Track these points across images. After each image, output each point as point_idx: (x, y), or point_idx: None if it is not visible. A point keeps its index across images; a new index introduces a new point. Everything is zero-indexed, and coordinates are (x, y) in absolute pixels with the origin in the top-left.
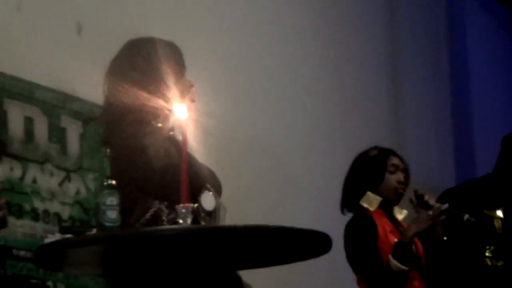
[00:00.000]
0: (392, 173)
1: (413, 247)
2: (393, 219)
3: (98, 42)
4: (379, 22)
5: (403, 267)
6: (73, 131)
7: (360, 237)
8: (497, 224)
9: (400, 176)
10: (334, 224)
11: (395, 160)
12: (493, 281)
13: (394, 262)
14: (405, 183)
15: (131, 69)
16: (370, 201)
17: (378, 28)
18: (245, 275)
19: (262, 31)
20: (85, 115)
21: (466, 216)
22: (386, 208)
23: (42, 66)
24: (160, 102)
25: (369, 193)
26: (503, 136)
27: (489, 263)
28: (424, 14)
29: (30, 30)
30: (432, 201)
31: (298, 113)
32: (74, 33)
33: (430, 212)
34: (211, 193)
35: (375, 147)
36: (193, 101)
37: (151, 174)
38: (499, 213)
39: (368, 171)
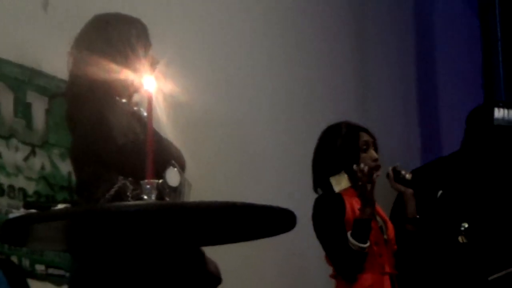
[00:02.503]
0: (365, 151)
1: (383, 226)
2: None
3: (64, 17)
4: None
5: (361, 245)
6: (39, 107)
7: (325, 213)
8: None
9: (372, 153)
10: (300, 201)
11: (365, 136)
12: (465, 258)
13: (352, 240)
14: (377, 159)
15: (97, 44)
16: (339, 181)
17: (344, 5)
18: (210, 251)
19: (228, 9)
20: (51, 90)
21: (440, 193)
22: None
23: (8, 41)
24: (126, 77)
25: (342, 174)
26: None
27: (462, 241)
28: None
29: None
30: (408, 176)
31: (264, 90)
32: (40, 8)
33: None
34: (175, 169)
35: (342, 124)
36: (157, 77)
37: (115, 150)
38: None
39: (341, 153)
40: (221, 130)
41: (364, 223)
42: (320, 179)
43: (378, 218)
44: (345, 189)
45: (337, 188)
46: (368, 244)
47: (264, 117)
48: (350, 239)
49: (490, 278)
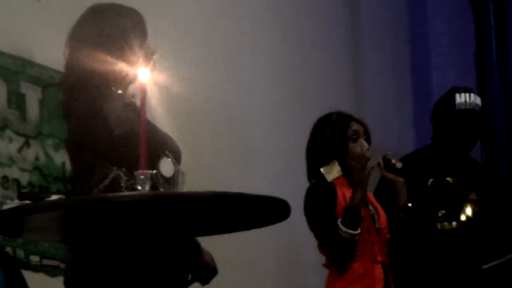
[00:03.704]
0: (354, 140)
1: (375, 214)
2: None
3: (57, 8)
4: None
5: (351, 231)
6: (32, 97)
7: (316, 202)
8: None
9: (362, 142)
10: (294, 191)
11: (355, 126)
12: (446, 244)
13: (342, 227)
14: (367, 148)
15: (94, 34)
16: (330, 171)
17: None
18: (204, 242)
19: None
20: (45, 81)
21: (430, 181)
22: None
23: (1, 32)
24: (121, 68)
25: (333, 163)
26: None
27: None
28: None
29: None
30: (398, 165)
31: (259, 80)
32: None
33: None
34: (169, 159)
35: (333, 114)
36: (153, 68)
37: (110, 140)
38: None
39: (330, 143)
40: (216, 121)
41: (354, 210)
42: (313, 169)
43: (370, 207)
44: (337, 178)
45: (328, 178)
46: (358, 231)
47: (259, 108)
48: (340, 226)
49: (484, 267)
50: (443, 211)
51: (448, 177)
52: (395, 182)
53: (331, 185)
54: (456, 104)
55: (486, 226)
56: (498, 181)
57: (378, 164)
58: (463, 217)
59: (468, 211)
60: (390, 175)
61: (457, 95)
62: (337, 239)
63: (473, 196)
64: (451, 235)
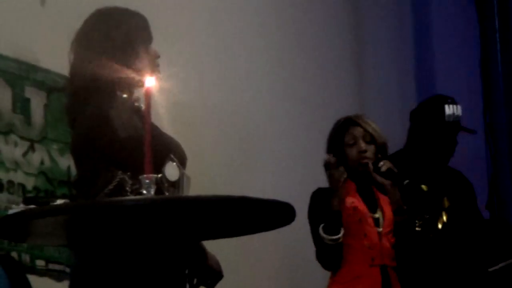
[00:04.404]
0: (352, 145)
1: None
2: (370, 192)
3: (61, 12)
4: None
5: (329, 237)
6: (37, 102)
7: (312, 207)
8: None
9: (361, 145)
10: (300, 195)
11: (353, 130)
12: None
13: (321, 233)
14: (365, 151)
15: (96, 38)
16: None
17: None
18: (209, 246)
19: (229, 4)
20: (49, 85)
21: (406, 181)
22: (360, 180)
23: (6, 36)
24: (126, 72)
25: (340, 167)
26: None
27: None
28: None
29: None
30: (383, 168)
31: (262, 82)
32: (37, 3)
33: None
34: (174, 163)
35: (343, 118)
36: (157, 72)
37: (115, 144)
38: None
39: (329, 146)
40: (221, 125)
41: (332, 215)
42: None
43: (378, 211)
44: (345, 183)
45: None
46: (339, 235)
47: (264, 113)
48: (320, 231)
49: (490, 270)
50: (420, 221)
51: (423, 184)
52: (384, 184)
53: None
54: (446, 116)
55: (458, 234)
56: (468, 188)
57: (368, 167)
58: (439, 225)
59: (443, 219)
60: (379, 178)
61: (446, 106)
62: (320, 244)
63: (446, 203)
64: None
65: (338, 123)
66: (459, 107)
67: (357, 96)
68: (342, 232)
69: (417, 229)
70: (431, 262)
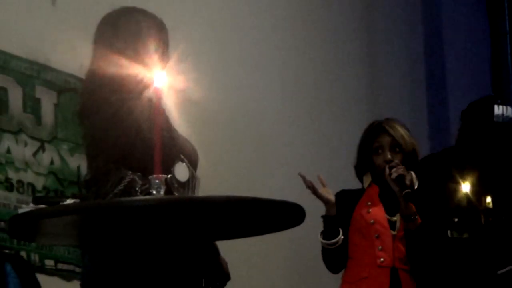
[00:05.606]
0: (379, 154)
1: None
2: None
3: (72, 12)
4: None
5: (325, 241)
6: (47, 101)
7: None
8: (461, 196)
9: (386, 154)
10: (309, 195)
11: (382, 138)
12: (457, 253)
13: (319, 237)
14: (390, 160)
15: (108, 38)
16: (366, 179)
17: None
18: (219, 246)
19: (240, 4)
20: (60, 85)
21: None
22: (384, 185)
23: (17, 36)
24: (137, 72)
25: (368, 174)
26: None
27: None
28: None
29: (4, 0)
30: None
31: (276, 84)
32: (48, 2)
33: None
34: (184, 163)
35: (375, 122)
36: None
37: (125, 144)
38: (465, 187)
39: (358, 153)
40: (233, 125)
41: (326, 219)
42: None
43: (398, 215)
44: (369, 186)
45: (364, 185)
46: (336, 239)
47: (276, 113)
48: (318, 237)
49: (499, 272)
50: (456, 219)
51: (465, 183)
52: (395, 191)
53: (359, 190)
54: (495, 116)
55: (497, 236)
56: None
57: (384, 172)
58: (475, 227)
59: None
60: (391, 184)
61: (496, 107)
62: (322, 248)
63: (487, 203)
64: (462, 244)
65: (369, 128)
66: (509, 108)
67: (369, 99)
68: (340, 236)
69: (451, 227)
70: (454, 265)
